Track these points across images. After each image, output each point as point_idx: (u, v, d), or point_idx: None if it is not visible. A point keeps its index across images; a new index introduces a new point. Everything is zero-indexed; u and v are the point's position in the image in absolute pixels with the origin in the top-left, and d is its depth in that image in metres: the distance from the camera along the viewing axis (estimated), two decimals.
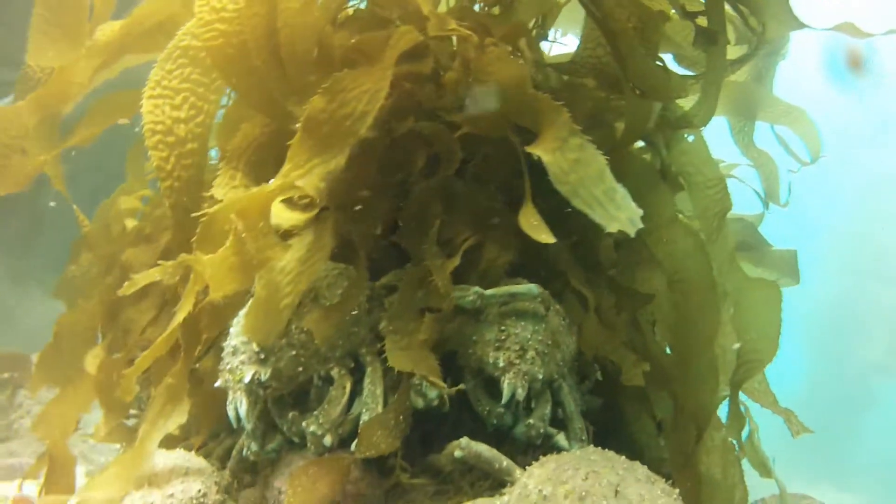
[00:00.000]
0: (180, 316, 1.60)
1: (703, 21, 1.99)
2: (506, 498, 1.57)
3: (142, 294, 2.53)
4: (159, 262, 2.49)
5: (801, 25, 2.23)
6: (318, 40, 1.75)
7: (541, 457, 1.71)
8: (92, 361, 2.45)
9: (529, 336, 1.77)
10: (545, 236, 1.48)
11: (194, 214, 1.57)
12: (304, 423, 1.69)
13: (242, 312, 1.81)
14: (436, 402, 1.77)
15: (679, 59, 2.41)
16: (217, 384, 1.77)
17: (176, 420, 1.79)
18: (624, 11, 1.64)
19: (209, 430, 2.26)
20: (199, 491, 1.75)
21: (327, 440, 1.67)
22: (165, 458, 1.85)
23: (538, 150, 1.44)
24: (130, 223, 2.99)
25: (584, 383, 2.25)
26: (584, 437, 1.92)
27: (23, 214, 6.10)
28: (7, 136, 2.33)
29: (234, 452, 1.97)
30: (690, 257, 1.87)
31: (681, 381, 1.91)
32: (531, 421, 1.79)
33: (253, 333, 1.59)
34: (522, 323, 1.79)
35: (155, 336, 2.42)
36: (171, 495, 1.71)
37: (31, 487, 2.97)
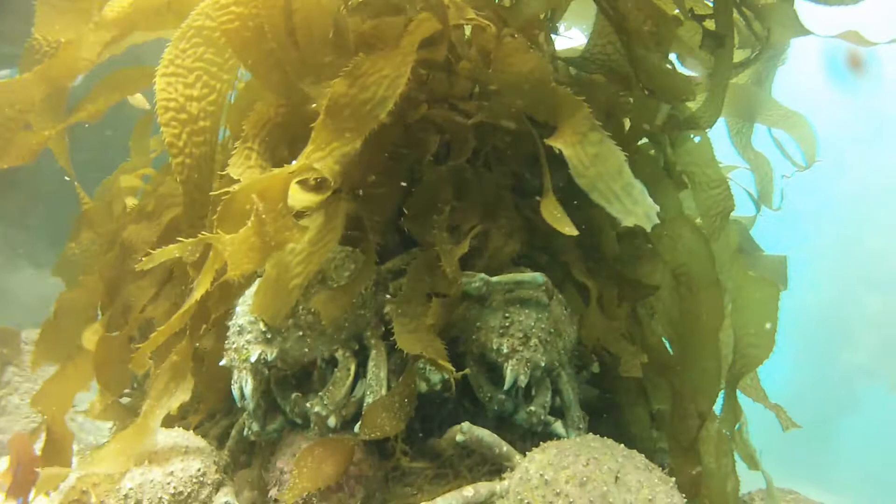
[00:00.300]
0: (198, 293, 1.61)
1: (710, 24, 2.03)
2: (506, 483, 1.61)
3: (142, 272, 2.54)
4: (162, 239, 2.56)
5: (806, 32, 2.27)
6: (333, 22, 1.76)
7: (540, 443, 1.76)
8: (90, 338, 2.45)
9: (533, 324, 1.80)
10: (568, 228, 1.51)
11: (214, 193, 1.59)
12: (308, 404, 1.71)
13: (249, 292, 1.82)
14: (438, 387, 1.81)
15: (682, 60, 2.45)
16: (222, 363, 1.78)
17: (180, 397, 1.80)
18: (640, 14, 1.66)
19: (208, 410, 2.29)
20: (199, 470, 1.78)
21: (331, 421, 1.69)
22: (165, 437, 1.87)
23: (558, 143, 1.47)
24: (131, 201, 3.00)
25: (582, 373, 2.29)
26: (581, 426, 1.96)
27: (22, 188, 6.04)
28: (12, 109, 2.31)
29: (234, 432, 2.00)
30: (694, 252, 1.91)
31: (683, 371, 1.95)
32: (532, 408, 1.83)
33: (262, 312, 1.61)
34: (526, 311, 1.82)
35: (155, 313, 2.45)
36: (171, 473, 1.74)
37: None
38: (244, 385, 1.71)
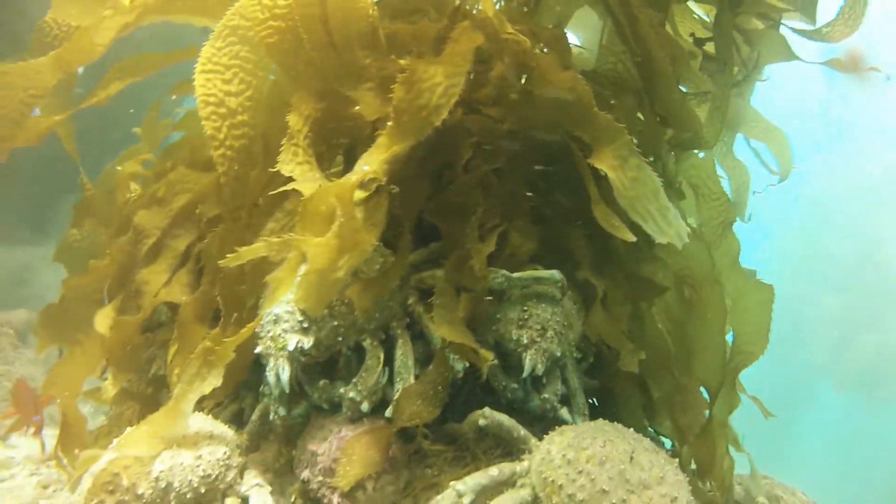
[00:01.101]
0: (281, 292, 1.67)
1: (709, 48, 2.22)
2: (526, 463, 1.77)
3: (154, 255, 2.61)
4: (173, 224, 2.62)
5: (795, 57, 2.49)
6: (367, 26, 1.88)
7: (547, 428, 1.94)
8: (102, 321, 2.51)
9: (549, 317, 1.98)
10: (627, 234, 1.68)
11: (284, 188, 1.67)
12: (342, 390, 1.83)
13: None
14: (461, 375, 1.96)
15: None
16: (257, 350, 1.88)
17: (212, 383, 1.87)
18: (663, 51, 1.83)
19: (224, 395, 2.38)
20: (225, 453, 1.88)
21: (364, 406, 1.82)
22: (191, 421, 1.96)
23: (602, 166, 1.67)
24: (134, 187, 3.04)
25: (581, 364, 2.49)
26: (585, 412, 2.14)
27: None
28: (25, 93, 2.35)
29: (255, 417, 2.09)
30: (695, 256, 2.12)
31: (687, 364, 2.15)
32: (546, 395, 2.00)
33: (304, 303, 1.71)
34: (543, 305, 1.99)
35: (169, 297, 2.51)
36: (200, 456, 1.82)
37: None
38: (281, 372, 1.81)
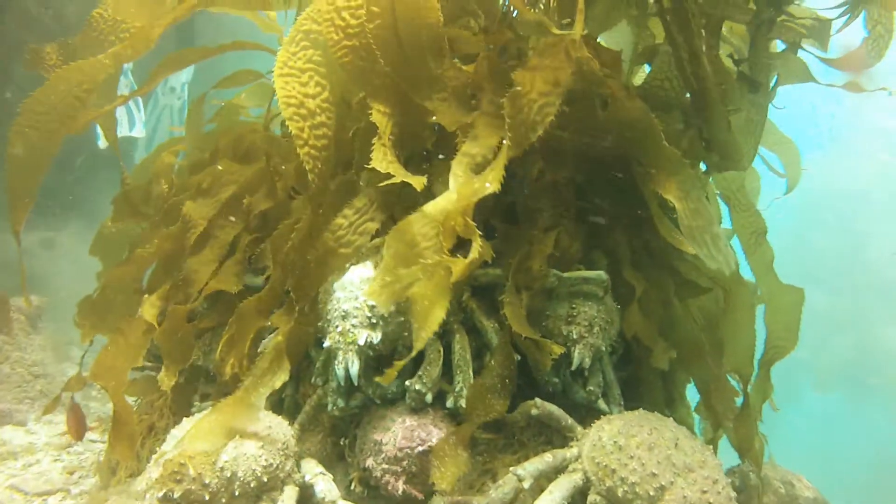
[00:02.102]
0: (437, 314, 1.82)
1: (744, 67, 2.41)
2: (575, 450, 1.97)
3: (201, 244, 2.74)
4: (220, 214, 2.75)
5: (812, 79, 2.70)
6: (436, 34, 2.04)
7: (584, 419, 2.14)
8: (149, 310, 2.64)
9: (595, 314, 2.17)
10: (688, 248, 1.95)
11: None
12: (407, 382, 1.98)
13: (348, 279, 2.07)
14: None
15: None
16: (326, 344, 2.02)
17: (282, 377, 2.03)
18: (717, 79, 2.04)
19: None
20: (284, 444, 2.01)
21: (429, 397, 1.97)
22: None
23: (668, 196, 1.94)
24: (167, 179, 3.16)
25: (612, 356, 2.69)
26: (621, 402, 2.34)
27: None
28: (80, 88, 2.46)
29: (308, 408, 2.23)
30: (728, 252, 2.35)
31: (719, 356, 2.39)
32: (591, 388, 2.19)
33: (377, 297, 1.87)
34: (589, 302, 2.18)
35: (219, 286, 2.64)
36: (262, 446, 1.93)
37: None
38: (350, 366, 1.95)
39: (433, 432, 1.93)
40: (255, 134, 3.13)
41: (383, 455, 1.94)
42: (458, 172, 1.87)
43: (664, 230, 2.13)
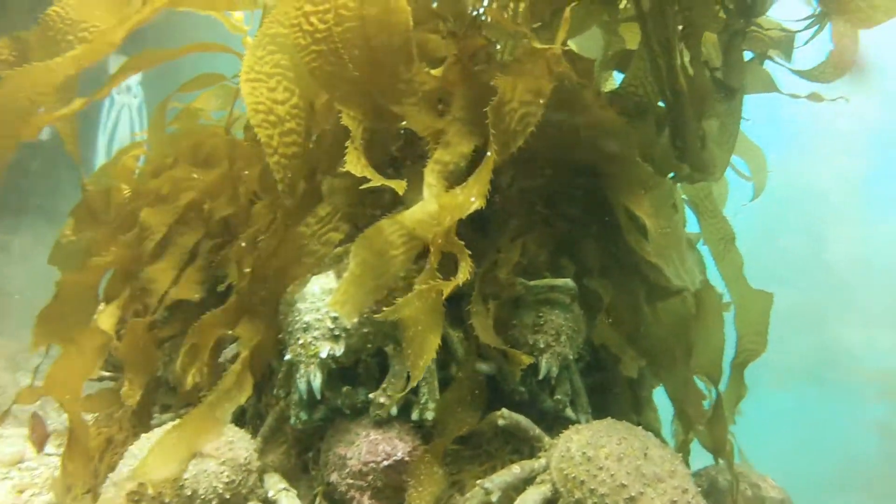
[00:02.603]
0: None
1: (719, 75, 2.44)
2: (543, 461, 1.96)
3: (160, 252, 2.67)
4: (179, 222, 2.69)
5: (777, 90, 2.76)
6: (405, 38, 2.01)
7: (551, 427, 2.13)
8: (107, 320, 2.56)
9: (563, 322, 2.16)
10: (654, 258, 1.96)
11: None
12: (370, 395, 1.95)
13: (309, 290, 2.03)
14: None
15: None
16: (287, 357, 1.98)
17: (247, 391, 1.99)
18: (694, 89, 2.07)
19: None
20: (246, 458, 1.96)
21: (393, 410, 1.94)
22: None
23: (640, 212, 1.99)
24: (128, 184, 3.07)
25: (578, 364, 2.70)
26: (588, 410, 2.35)
27: None
28: (34, 91, 2.37)
29: (271, 420, 2.17)
30: (693, 270, 2.38)
31: (688, 360, 2.42)
32: (558, 396, 2.19)
33: (341, 308, 1.84)
34: (556, 311, 2.17)
35: (180, 295, 2.58)
36: (223, 462, 1.89)
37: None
38: (312, 379, 1.91)
39: (398, 446, 1.91)
40: (215, 138, 3.06)
41: (348, 469, 1.91)
42: (431, 181, 1.85)
43: (633, 241, 2.15)
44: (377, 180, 1.82)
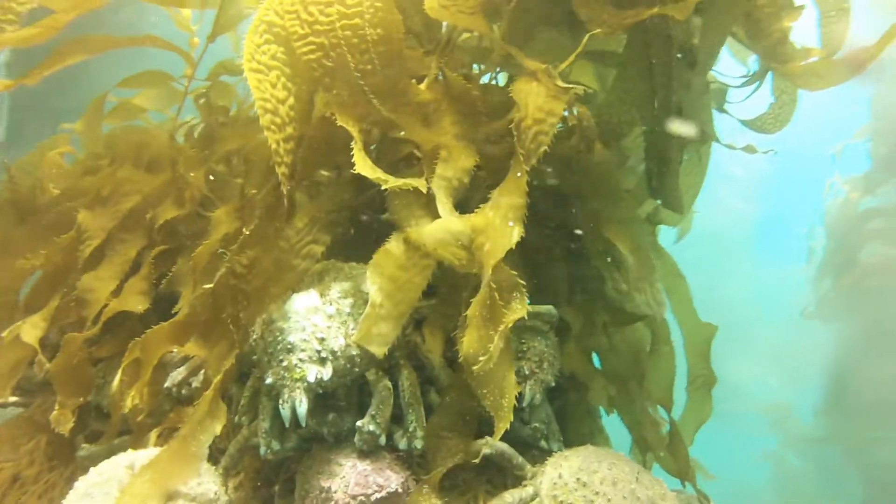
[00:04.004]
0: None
1: None
2: (530, 489, 1.95)
3: (97, 260, 2.45)
4: (121, 227, 2.50)
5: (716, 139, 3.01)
6: (401, 44, 2.00)
7: (528, 457, 2.15)
8: (31, 332, 2.30)
9: (545, 349, 2.19)
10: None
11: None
12: (359, 423, 1.86)
13: (292, 308, 1.93)
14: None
15: None
16: (268, 381, 1.85)
17: (221, 420, 1.84)
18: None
19: None
20: (216, 493, 1.86)
21: (382, 439, 1.87)
22: None
23: (620, 245, 2.10)
24: (57, 182, 2.81)
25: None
26: (560, 438, 2.38)
27: None
28: None
29: (233, 451, 2.04)
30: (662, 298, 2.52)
31: (641, 387, 2.53)
32: (536, 424, 2.20)
33: (368, 342, 1.76)
34: (538, 337, 2.20)
35: (122, 307, 2.37)
36: (194, 499, 1.78)
37: None
38: (298, 405, 1.79)
39: (391, 477, 1.83)
40: (158, 141, 2.88)
41: (333, 503, 1.81)
42: (442, 198, 1.83)
43: (605, 271, 2.24)
44: (392, 183, 1.78)
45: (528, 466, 2.07)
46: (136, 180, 2.56)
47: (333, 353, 1.88)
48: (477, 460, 1.91)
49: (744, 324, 12.03)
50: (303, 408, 1.80)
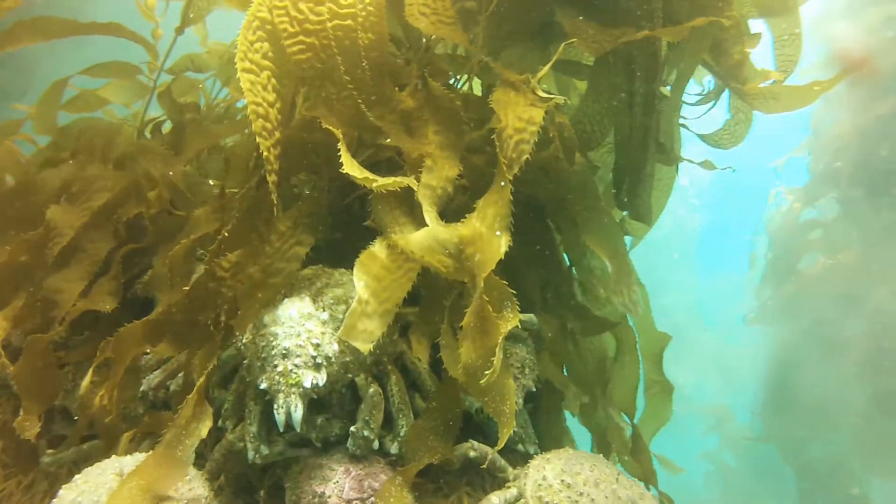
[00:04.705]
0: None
1: None
2: (514, 490, 2.03)
3: (65, 260, 2.38)
4: (91, 225, 2.44)
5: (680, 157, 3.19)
6: (385, 50, 2.03)
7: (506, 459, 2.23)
8: None
9: (526, 355, 2.28)
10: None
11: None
12: (354, 428, 1.90)
13: (285, 314, 1.94)
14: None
15: None
16: (263, 386, 1.86)
17: (207, 423, 1.84)
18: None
19: None
20: (206, 498, 1.85)
21: (376, 444, 1.92)
22: None
23: (602, 254, 2.28)
24: (14, 173, 2.71)
25: None
26: (536, 441, 2.48)
27: None
28: None
29: (217, 455, 2.04)
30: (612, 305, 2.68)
31: (605, 394, 2.65)
32: (516, 428, 2.29)
33: (354, 336, 1.78)
34: (519, 344, 2.30)
35: (91, 307, 2.31)
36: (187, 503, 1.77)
37: None
38: (293, 410, 1.81)
39: (384, 481, 1.88)
40: (125, 137, 2.82)
41: None
42: (427, 207, 1.88)
43: (583, 276, 2.35)
44: (381, 182, 1.81)
45: (510, 469, 2.15)
46: (106, 177, 2.50)
47: (328, 358, 1.91)
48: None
49: (686, 329, 12.53)
50: (298, 413, 1.83)
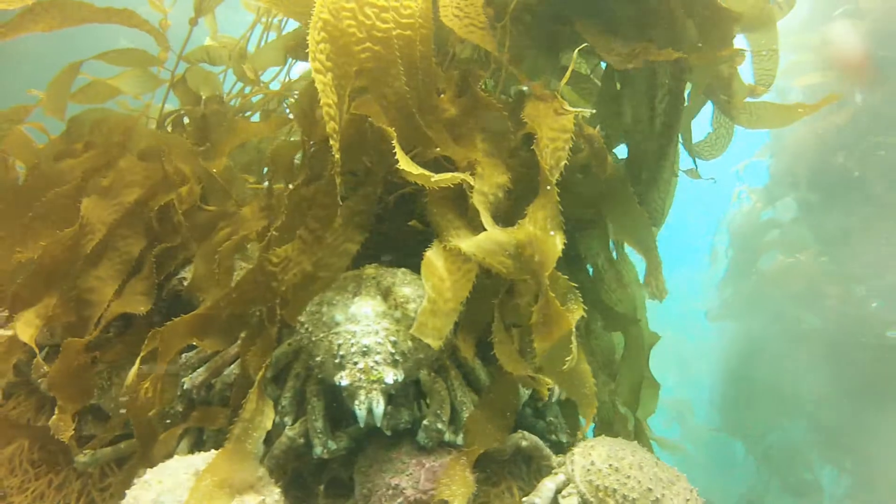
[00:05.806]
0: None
1: None
2: (561, 476, 2.17)
3: (97, 258, 2.36)
4: (123, 222, 2.43)
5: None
6: (431, 59, 2.13)
7: None
8: (26, 330, 2.18)
9: None
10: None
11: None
12: (426, 421, 2.01)
13: (361, 312, 2.02)
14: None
15: None
16: (345, 383, 1.92)
17: (270, 415, 1.91)
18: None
19: None
20: (280, 493, 1.92)
21: (447, 436, 2.03)
22: None
23: (638, 251, 2.48)
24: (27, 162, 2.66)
25: None
26: (567, 430, 2.61)
27: None
28: None
29: (278, 451, 2.08)
30: (623, 301, 2.88)
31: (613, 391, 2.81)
32: (550, 418, 2.44)
33: (425, 333, 1.88)
34: None
35: (125, 309, 2.31)
36: (264, 501, 1.83)
37: None
38: (375, 406, 1.89)
39: (448, 461, 1.98)
40: (146, 130, 2.81)
41: (402, 499, 1.92)
42: (483, 212, 1.99)
43: (612, 275, 2.52)
44: (440, 179, 1.89)
45: (554, 457, 2.28)
46: (135, 171, 2.49)
47: (404, 355, 2.01)
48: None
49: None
50: (380, 408, 1.91)
